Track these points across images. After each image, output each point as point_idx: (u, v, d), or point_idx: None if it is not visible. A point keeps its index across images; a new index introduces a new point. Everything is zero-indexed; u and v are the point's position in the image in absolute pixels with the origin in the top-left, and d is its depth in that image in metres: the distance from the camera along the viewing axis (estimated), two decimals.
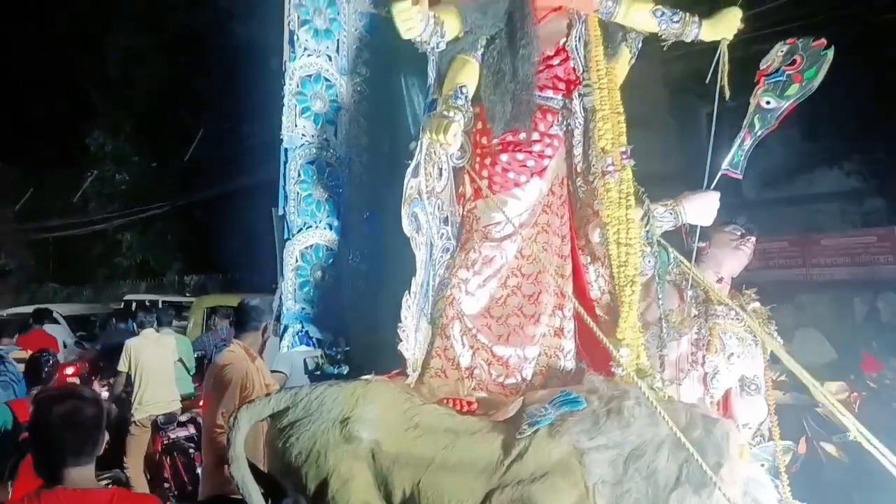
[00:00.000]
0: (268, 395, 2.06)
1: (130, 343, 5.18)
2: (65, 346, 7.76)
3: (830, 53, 2.52)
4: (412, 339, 2.09)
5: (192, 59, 13.31)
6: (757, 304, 2.63)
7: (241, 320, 3.09)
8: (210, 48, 12.24)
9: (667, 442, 1.92)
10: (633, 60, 2.66)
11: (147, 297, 12.75)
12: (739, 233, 2.68)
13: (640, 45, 2.62)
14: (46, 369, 3.97)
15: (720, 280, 2.62)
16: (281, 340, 2.40)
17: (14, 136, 14.98)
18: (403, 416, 2.01)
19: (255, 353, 2.97)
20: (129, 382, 5.10)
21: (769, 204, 11.97)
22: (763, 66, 2.61)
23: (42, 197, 16.92)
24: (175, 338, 5.43)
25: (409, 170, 2.07)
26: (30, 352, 5.99)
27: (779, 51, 2.59)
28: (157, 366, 5.12)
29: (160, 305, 9.75)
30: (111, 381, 5.55)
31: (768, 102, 2.60)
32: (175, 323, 8.15)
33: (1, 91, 14.68)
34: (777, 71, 2.57)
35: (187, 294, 13.92)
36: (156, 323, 5.41)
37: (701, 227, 2.60)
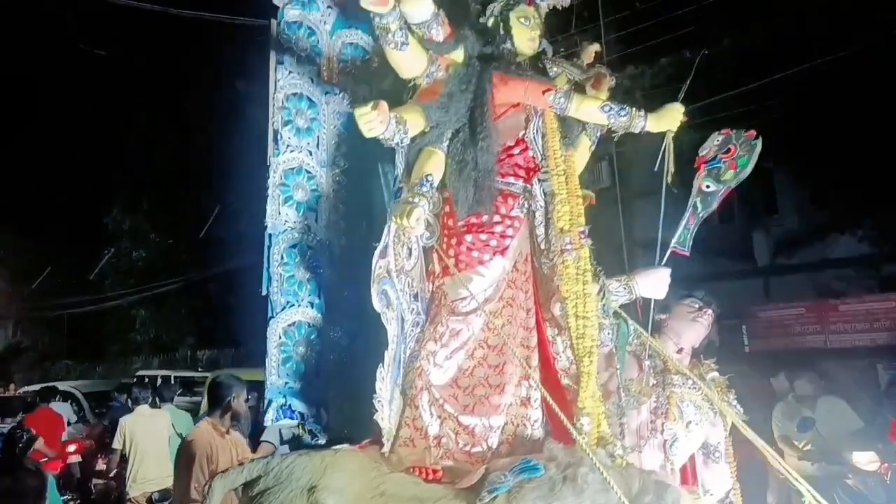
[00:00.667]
0: (241, 464, 2.21)
1: (124, 420, 5.30)
2: (68, 423, 7.91)
3: (759, 144, 2.76)
4: (387, 410, 2.24)
5: (209, 140, 14.02)
6: (715, 374, 2.76)
7: (210, 397, 3.26)
8: (225, 130, 12.93)
9: None
10: (594, 147, 2.90)
11: (159, 373, 12.97)
12: (697, 305, 2.85)
13: (598, 134, 2.86)
14: (20, 445, 4.12)
15: (680, 350, 2.77)
16: (265, 414, 2.57)
17: (34, 215, 15.73)
18: (370, 484, 2.14)
19: (223, 428, 3.12)
20: (123, 459, 5.19)
21: (782, 270, 12.03)
22: (701, 153, 2.86)
23: (59, 274, 17.54)
24: (171, 413, 5.54)
25: (377, 251, 2.29)
26: (33, 430, 6.20)
27: (714, 140, 2.85)
28: (151, 442, 5.19)
29: (172, 381, 9.93)
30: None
31: (708, 186, 2.84)
32: (190, 398, 8.32)
33: (23, 171, 15.51)
34: (714, 158, 2.81)
35: (199, 369, 14.10)
36: (152, 399, 5.55)
37: (663, 300, 2.76)
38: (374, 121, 2.19)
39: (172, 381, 9.65)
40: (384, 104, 2.22)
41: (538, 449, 2.40)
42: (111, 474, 5.31)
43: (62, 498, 5.77)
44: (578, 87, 2.90)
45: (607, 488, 2.04)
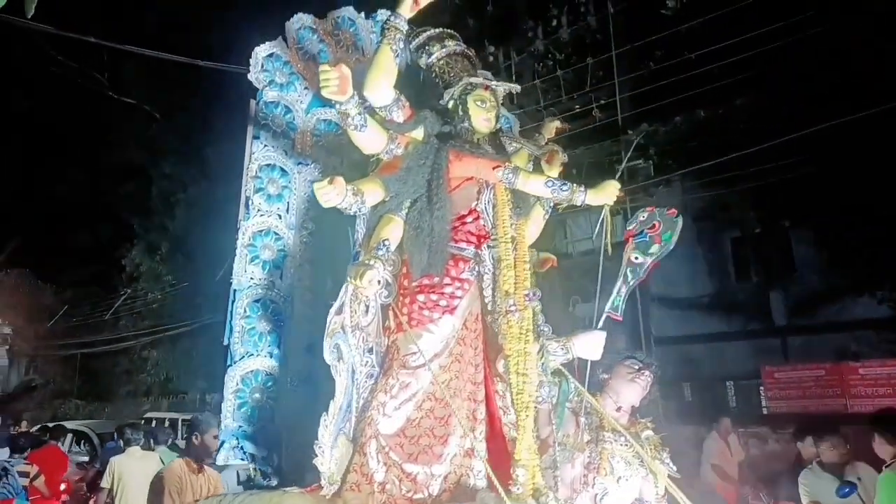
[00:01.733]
0: (196, 501, 2.50)
1: (115, 460, 5.53)
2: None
3: (680, 220, 3.06)
4: (328, 455, 2.51)
5: (228, 186, 14.64)
6: (650, 432, 2.99)
7: (186, 436, 3.54)
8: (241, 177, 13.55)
9: None
10: (547, 216, 3.22)
11: (167, 416, 13.30)
12: (637, 367, 3.10)
13: (552, 204, 3.18)
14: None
15: (619, 408, 3.02)
16: (218, 454, 2.86)
17: (53, 257, 16.52)
18: None
19: (196, 465, 3.41)
20: (111, 498, 5.44)
21: (801, 330, 12.03)
22: (629, 227, 3.16)
23: (75, 314, 18.21)
24: (163, 455, 5.76)
25: (333, 308, 2.61)
26: (37, 467, 6.52)
27: (640, 216, 3.16)
28: (138, 483, 5.20)
29: (166, 424, 10.23)
30: None
31: (637, 258, 3.14)
32: None
33: (43, 212, 16.35)
34: (641, 233, 3.11)
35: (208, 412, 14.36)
36: (144, 441, 5.81)
37: (602, 359, 3.04)
38: (329, 193, 2.55)
39: (166, 424, 9.95)
40: (340, 179, 2.58)
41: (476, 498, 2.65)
42: None
43: None
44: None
45: None
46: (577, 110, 12.20)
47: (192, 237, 16.22)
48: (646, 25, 11.51)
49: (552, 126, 3.59)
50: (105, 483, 5.44)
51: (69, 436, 10.52)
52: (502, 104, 3.24)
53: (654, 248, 3.14)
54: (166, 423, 10.37)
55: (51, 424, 10.63)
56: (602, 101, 11.93)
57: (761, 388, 11.18)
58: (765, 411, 10.95)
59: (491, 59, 12.78)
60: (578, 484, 2.80)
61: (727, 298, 12.97)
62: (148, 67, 15.16)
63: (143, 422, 12.08)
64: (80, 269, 17.37)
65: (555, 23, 12.72)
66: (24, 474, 6.12)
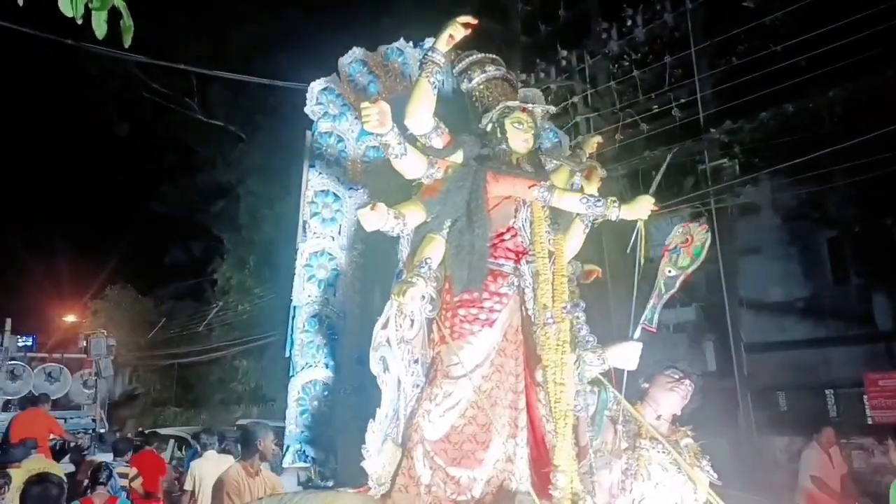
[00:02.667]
0: (260, 499, 2.84)
1: (194, 464, 6.08)
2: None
3: (709, 235, 3.15)
4: (375, 458, 2.79)
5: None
6: (690, 440, 3.10)
7: (242, 442, 3.99)
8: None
9: None
10: (588, 230, 3.38)
11: (258, 422, 14.09)
12: (677, 376, 3.21)
13: (592, 219, 3.33)
14: (101, 479, 5.00)
15: (658, 417, 3.14)
16: (283, 457, 3.20)
17: (152, 273, 17.94)
18: None
19: (254, 469, 3.80)
20: (193, 499, 5.90)
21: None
22: (666, 243, 3.27)
23: (171, 326, 19.63)
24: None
25: (379, 323, 2.89)
26: (135, 469, 7.19)
27: (677, 231, 3.26)
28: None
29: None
30: None
31: (670, 272, 3.24)
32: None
33: (143, 233, 17.78)
34: (675, 248, 3.22)
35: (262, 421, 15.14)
36: (219, 445, 6.30)
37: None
38: (371, 217, 2.84)
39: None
40: (381, 205, 2.87)
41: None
42: None
43: None
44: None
45: None
46: (656, 110, 12.08)
47: (277, 251, 17.14)
48: (726, 19, 11.29)
49: (593, 141, 3.75)
50: (187, 486, 5.97)
51: (171, 441, 11.34)
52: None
53: (686, 262, 3.26)
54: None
55: (147, 431, 11.55)
56: (682, 100, 11.76)
57: (864, 396, 10.64)
58: (869, 421, 10.43)
59: (564, 63, 12.88)
60: (616, 489, 2.95)
61: (824, 302, 12.45)
62: (233, 90, 16.25)
63: (235, 428, 12.94)
64: (176, 284, 18.83)
65: (630, 22, 12.64)
66: (123, 475, 6.79)
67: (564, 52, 12.77)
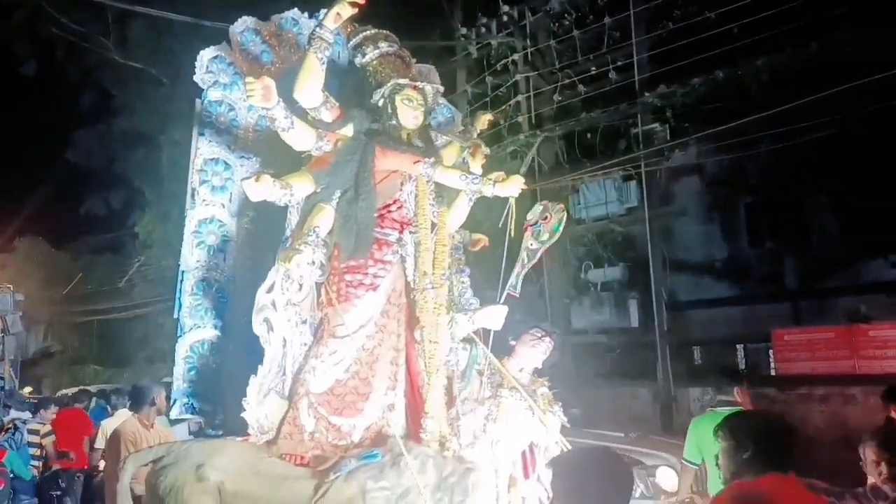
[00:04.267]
0: (150, 447, 3.17)
1: (105, 422, 6.37)
2: None
3: (565, 214, 3.60)
4: (255, 409, 3.14)
5: None
6: (545, 389, 3.63)
7: (134, 397, 4.36)
8: None
9: (429, 485, 2.91)
10: (472, 203, 3.75)
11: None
12: (539, 335, 3.69)
13: (474, 193, 3.69)
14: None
15: (521, 370, 3.65)
16: (171, 409, 3.53)
17: (68, 225, 17.53)
18: (247, 464, 3.06)
19: (149, 422, 4.17)
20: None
21: (812, 295, 12.41)
22: (528, 218, 3.71)
23: (90, 281, 19.31)
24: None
25: (263, 287, 3.20)
26: (49, 427, 7.37)
27: (537, 209, 3.70)
28: None
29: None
30: None
31: (532, 244, 3.68)
32: None
33: (59, 183, 17.25)
34: (536, 223, 3.65)
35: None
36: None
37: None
38: (256, 188, 3.13)
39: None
40: (266, 176, 3.15)
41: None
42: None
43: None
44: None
45: (423, 471, 2.93)
46: (594, 72, 12.47)
47: None
48: None
49: (484, 118, 4.10)
50: (98, 444, 6.25)
51: (94, 399, 11.41)
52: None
53: (545, 237, 3.71)
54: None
55: (74, 389, 11.59)
56: (619, 63, 12.16)
57: (770, 350, 11.55)
58: (773, 373, 11.41)
59: (506, 18, 13.07)
60: (479, 432, 3.44)
61: (740, 263, 13.39)
62: (154, 30, 15.75)
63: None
64: (93, 237, 18.42)
65: None
66: (34, 432, 6.99)
67: (507, 8, 12.96)
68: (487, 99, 13.45)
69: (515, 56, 13.18)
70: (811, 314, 12.31)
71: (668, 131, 12.79)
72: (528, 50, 13.15)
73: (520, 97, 13.23)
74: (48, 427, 7.48)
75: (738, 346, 13.00)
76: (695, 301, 13.64)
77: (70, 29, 16.36)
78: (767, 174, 12.63)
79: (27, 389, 12.27)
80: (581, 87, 12.56)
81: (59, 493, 6.64)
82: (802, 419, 8.95)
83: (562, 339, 12.71)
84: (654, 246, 12.21)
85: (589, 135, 13.28)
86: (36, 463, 6.94)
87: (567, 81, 12.91)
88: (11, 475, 5.98)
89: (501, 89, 13.54)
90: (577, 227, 14.13)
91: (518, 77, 13.16)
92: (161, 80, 16.56)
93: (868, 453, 3.15)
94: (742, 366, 12.85)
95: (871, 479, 3.15)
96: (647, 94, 11.93)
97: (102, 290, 19.32)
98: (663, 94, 11.79)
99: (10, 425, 6.45)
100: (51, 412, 7.70)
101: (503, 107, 13.29)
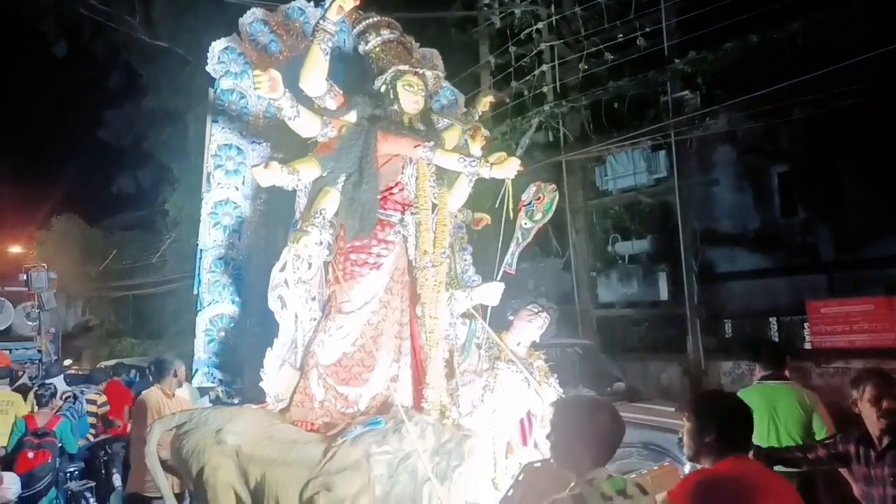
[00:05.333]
0: (173, 414, 3.52)
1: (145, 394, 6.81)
2: None
3: (557, 195, 3.80)
4: (272, 379, 3.46)
5: None
6: (542, 362, 3.88)
7: (157, 370, 4.73)
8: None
9: (428, 450, 3.19)
10: (472, 184, 3.98)
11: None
12: (536, 310, 3.92)
13: (473, 176, 3.92)
14: (44, 400, 6.02)
15: (519, 343, 3.89)
16: (193, 379, 3.88)
17: (101, 203, 18.19)
18: (262, 430, 3.38)
19: (171, 392, 4.55)
20: None
21: (849, 266, 12.31)
22: (523, 199, 3.91)
23: (124, 257, 20.06)
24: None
25: (276, 266, 3.50)
26: (105, 397, 7.95)
27: (531, 189, 3.89)
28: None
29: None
30: None
31: (526, 224, 3.89)
32: None
33: (91, 162, 17.85)
34: (530, 203, 3.86)
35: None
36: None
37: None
38: (264, 175, 3.40)
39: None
40: (274, 163, 3.43)
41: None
42: None
43: None
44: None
45: (422, 437, 3.21)
46: (621, 39, 12.41)
47: None
48: None
49: (486, 100, 4.31)
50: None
51: (132, 371, 12.06)
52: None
53: (539, 216, 3.93)
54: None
55: (112, 362, 12.27)
56: (647, 29, 12.06)
57: (805, 323, 11.52)
58: (808, 346, 11.38)
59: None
60: (477, 401, 3.72)
61: (772, 234, 13.26)
62: (177, 7, 16.10)
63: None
64: (125, 214, 19.11)
65: None
66: (91, 402, 7.55)
67: None
68: (511, 69, 13.45)
69: (539, 24, 13.13)
70: (847, 286, 12.17)
71: (698, 99, 12.63)
72: (553, 18, 13.08)
73: (544, 67, 13.20)
74: (104, 398, 8.08)
75: (770, 319, 12.96)
76: (726, 273, 13.57)
77: (96, 9, 16.80)
78: (801, 142, 12.45)
79: (67, 361, 13.01)
80: (608, 55, 12.45)
81: (106, 458, 7.17)
82: (839, 394, 8.94)
83: (588, 314, 12.75)
84: (685, 217, 12.14)
85: (616, 104, 13.17)
86: (93, 431, 7.51)
87: (593, 49, 12.81)
88: (59, 445, 6.49)
89: (525, 59, 13.47)
90: (603, 198, 14.13)
91: (542, 46, 13.12)
92: (186, 59, 16.94)
93: (868, 390, 3.22)
94: (775, 339, 12.82)
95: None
96: (676, 60, 11.79)
97: (136, 266, 20.07)
98: (694, 60, 11.62)
99: (68, 395, 6.99)
100: (103, 385, 8.33)
101: (527, 77, 13.30)
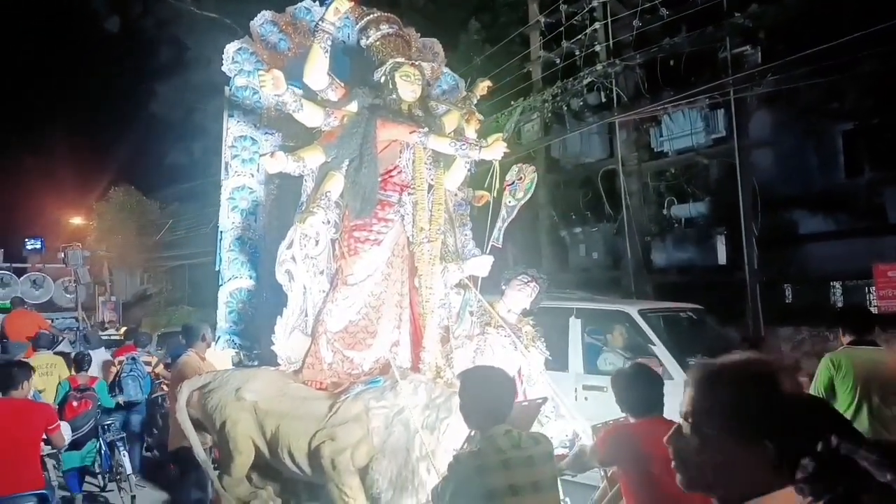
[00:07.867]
0: (199, 375, 4.23)
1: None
2: None
3: (536, 175, 4.25)
4: (282, 343, 4.10)
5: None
6: (529, 328, 4.41)
7: (188, 336, 5.45)
8: None
9: (419, 405, 3.77)
10: (468, 165, 4.50)
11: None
12: (526, 280, 4.44)
13: (470, 161, 4.44)
14: (84, 366, 7.12)
15: (509, 311, 4.42)
16: (216, 345, 4.59)
17: (156, 175, 19.35)
18: (276, 388, 4.05)
19: (203, 355, 5.25)
20: None
21: None
22: (507, 179, 4.38)
23: (179, 227, 21.34)
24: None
25: (284, 243, 4.10)
26: (156, 358, 8.99)
27: (513, 170, 4.36)
28: None
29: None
30: None
31: (510, 202, 4.36)
32: None
33: (146, 134, 18.93)
34: (513, 183, 4.33)
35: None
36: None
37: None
38: (272, 163, 4.00)
39: None
40: (279, 153, 4.02)
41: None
42: None
43: None
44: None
45: (415, 393, 3.80)
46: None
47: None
48: None
49: (483, 86, 4.79)
50: None
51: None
52: None
53: (520, 194, 4.40)
54: None
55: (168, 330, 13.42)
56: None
57: (870, 287, 11.52)
58: (874, 311, 11.37)
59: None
60: (469, 363, 4.27)
61: (837, 195, 13.05)
62: None
63: None
64: (179, 186, 20.33)
65: None
66: (147, 363, 8.54)
67: None
68: (562, 28, 13.57)
69: None
70: None
71: (759, 54, 12.48)
72: None
73: (597, 25, 13.21)
74: (156, 359, 9.12)
75: (833, 283, 12.88)
76: (787, 236, 13.47)
77: None
78: (868, 98, 12.21)
79: (123, 329, 14.40)
80: (663, 11, 12.42)
81: (162, 412, 8.15)
82: None
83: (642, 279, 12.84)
84: (744, 178, 12.07)
85: (672, 62, 13.11)
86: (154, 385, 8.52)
87: (648, 5, 12.78)
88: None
89: (577, 17, 13.54)
90: (658, 160, 14.16)
91: (595, 3, 13.15)
92: (235, 29, 17.68)
93: None
94: (839, 304, 12.76)
95: None
96: (736, 14, 11.68)
97: (190, 237, 21.31)
98: (754, 13, 11.49)
99: (125, 358, 8.02)
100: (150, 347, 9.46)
101: (579, 36, 13.40)
